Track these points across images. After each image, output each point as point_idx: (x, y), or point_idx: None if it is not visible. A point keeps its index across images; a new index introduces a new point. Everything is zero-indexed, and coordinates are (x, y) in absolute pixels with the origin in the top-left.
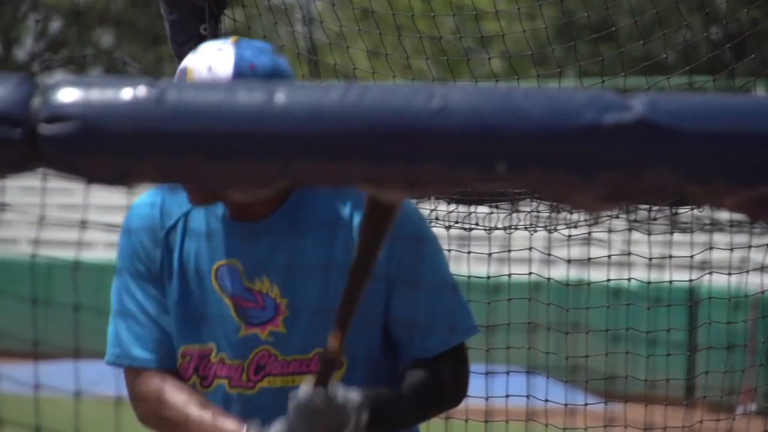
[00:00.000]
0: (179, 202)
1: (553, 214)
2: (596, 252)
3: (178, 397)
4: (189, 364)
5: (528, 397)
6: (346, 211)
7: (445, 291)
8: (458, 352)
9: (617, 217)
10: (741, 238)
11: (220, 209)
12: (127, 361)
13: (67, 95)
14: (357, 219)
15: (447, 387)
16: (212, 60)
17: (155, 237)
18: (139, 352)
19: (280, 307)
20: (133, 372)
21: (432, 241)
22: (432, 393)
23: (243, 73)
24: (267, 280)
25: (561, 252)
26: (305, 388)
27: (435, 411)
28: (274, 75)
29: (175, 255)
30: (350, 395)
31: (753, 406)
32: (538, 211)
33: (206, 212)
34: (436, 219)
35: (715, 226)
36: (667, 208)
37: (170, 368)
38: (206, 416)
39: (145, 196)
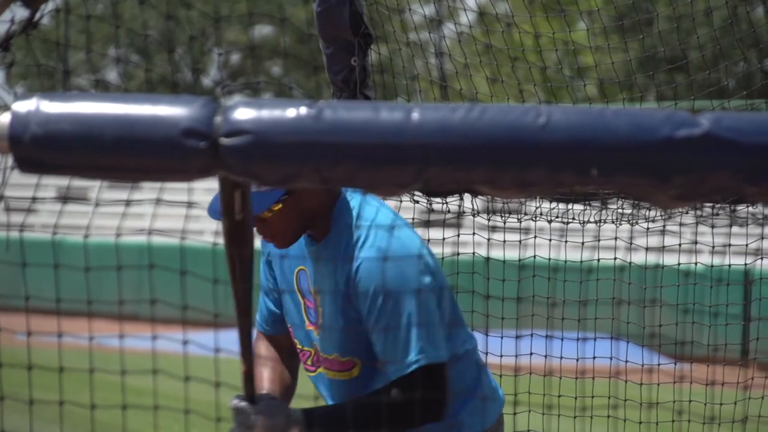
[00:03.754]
0: None
1: (635, 211)
2: (669, 241)
3: (262, 349)
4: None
5: (612, 358)
6: (351, 249)
7: (400, 331)
8: (427, 376)
9: (687, 213)
10: None
11: None
12: (258, 327)
13: (243, 114)
14: (356, 254)
15: (399, 404)
16: None
17: (266, 258)
18: (260, 322)
19: (319, 313)
20: (260, 335)
21: (403, 292)
22: (374, 408)
23: None
24: (314, 290)
25: (641, 241)
26: (234, 400)
27: (387, 424)
28: None
29: (275, 266)
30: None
31: None
32: (623, 208)
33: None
34: (541, 214)
35: (767, 220)
36: (728, 205)
37: (277, 334)
38: (262, 366)
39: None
